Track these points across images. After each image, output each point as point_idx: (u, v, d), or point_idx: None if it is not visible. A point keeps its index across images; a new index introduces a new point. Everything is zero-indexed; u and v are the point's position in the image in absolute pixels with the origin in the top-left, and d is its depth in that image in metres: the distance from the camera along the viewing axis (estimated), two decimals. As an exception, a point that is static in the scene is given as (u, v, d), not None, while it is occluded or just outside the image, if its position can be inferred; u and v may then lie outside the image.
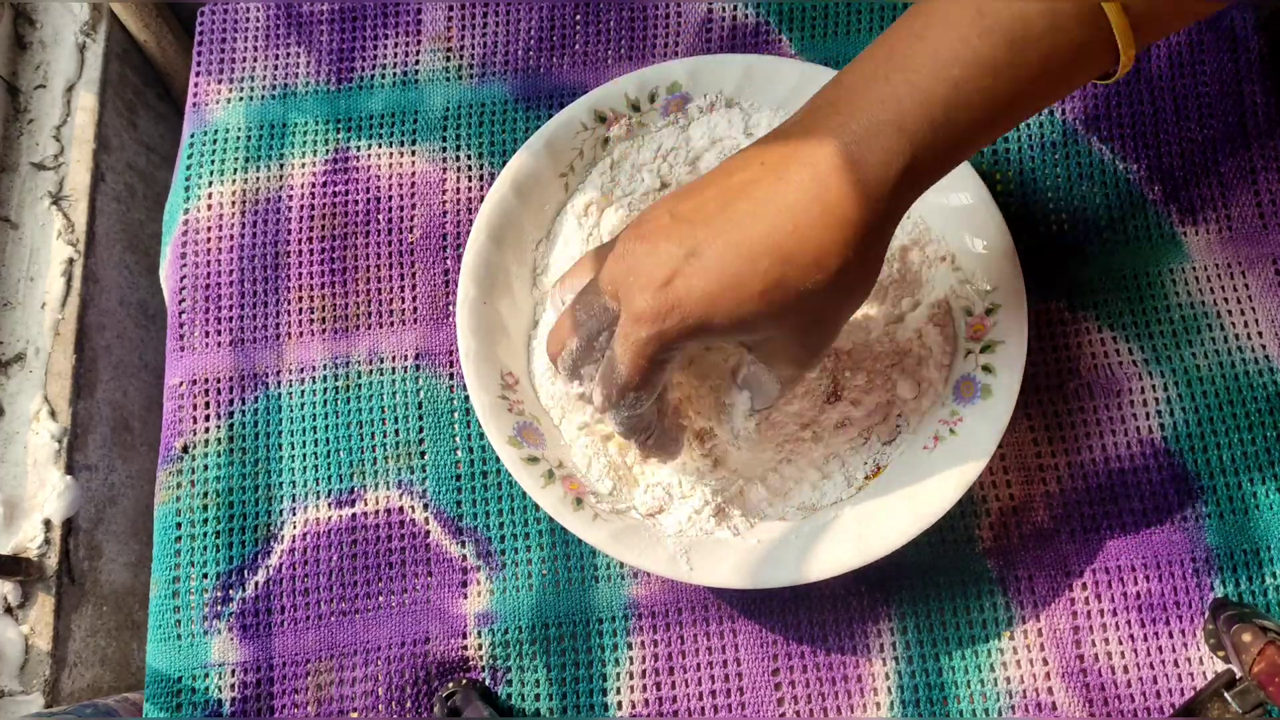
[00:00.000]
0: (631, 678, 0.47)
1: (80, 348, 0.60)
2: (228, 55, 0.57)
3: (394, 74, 0.56)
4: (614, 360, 0.37)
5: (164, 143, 0.72)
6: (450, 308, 0.52)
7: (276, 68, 0.56)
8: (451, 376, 0.51)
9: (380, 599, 0.48)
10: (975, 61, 0.33)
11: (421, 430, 0.51)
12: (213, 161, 0.55)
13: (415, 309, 0.52)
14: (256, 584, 0.49)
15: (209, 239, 0.54)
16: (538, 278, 0.49)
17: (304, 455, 0.50)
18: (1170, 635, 0.47)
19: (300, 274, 0.53)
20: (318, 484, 0.50)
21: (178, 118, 0.74)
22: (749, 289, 0.34)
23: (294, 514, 0.49)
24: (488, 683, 0.47)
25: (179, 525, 0.49)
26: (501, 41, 0.57)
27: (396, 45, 0.57)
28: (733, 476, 0.46)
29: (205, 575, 0.49)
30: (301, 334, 0.52)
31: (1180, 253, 0.53)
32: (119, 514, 0.62)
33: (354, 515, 0.49)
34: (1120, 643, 0.47)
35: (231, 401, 0.51)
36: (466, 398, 0.50)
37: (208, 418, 0.51)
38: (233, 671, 0.47)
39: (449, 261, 0.53)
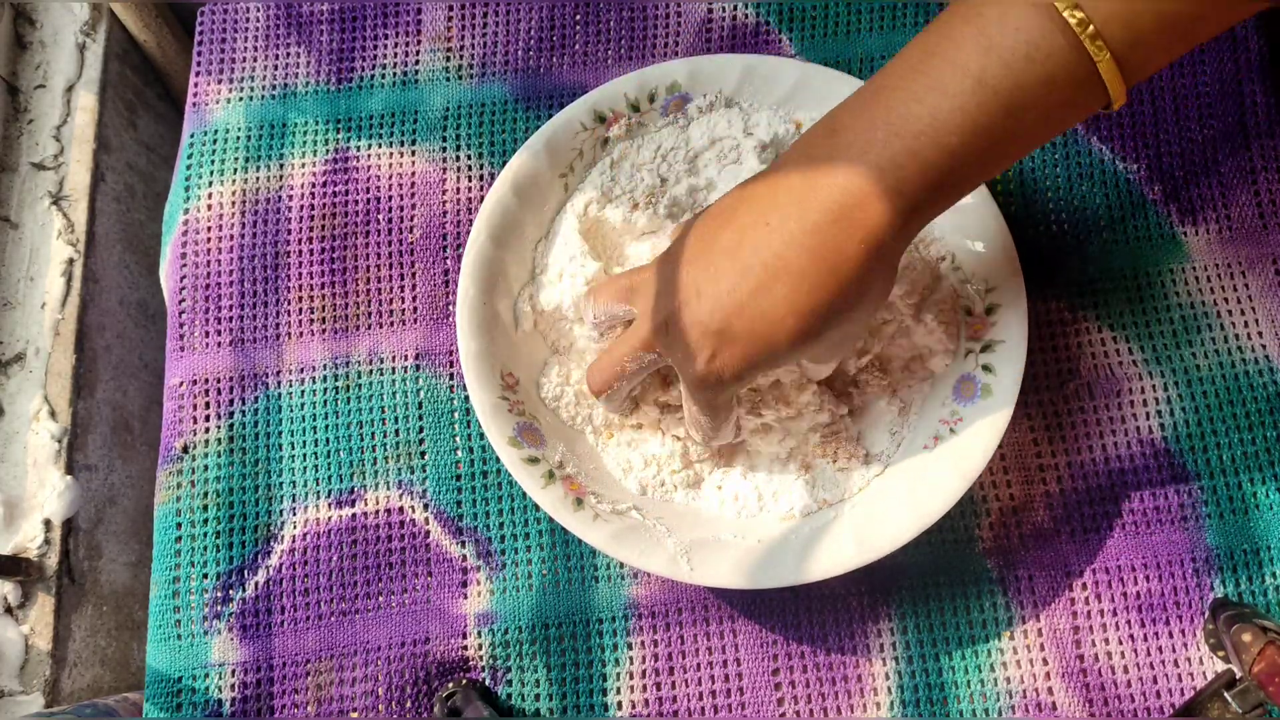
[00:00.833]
0: (631, 678, 0.47)
1: (80, 348, 0.60)
2: (228, 55, 0.57)
3: (394, 74, 0.56)
4: (694, 415, 0.43)
5: (164, 143, 0.72)
6: (450, 308, 0.52)
7: (276, 68, 0.56)
8: (451, 376, 0.51)
9: (380, 599, 0.48)
10: (973, 130, 0.34)
11: (421, 430, 0.51)
12: (213, 161, 0.55)
13: (415, 309, 0.52)
14: (256, 584, 0.49)
15: (209, 239, 0.54)
16: (537, 276, 0.49)
17: (304, 455, 0.50)
18: (1170, 635, 0.47)
19: (300, 274, 0.53)
20: (318, 484, 0.50)
21: (178, 118, 0.74)
22: (778, 343, 0.37)
23: (294, 514, 0.49)
24: (488, 683, 0.47)
25: (179, 525, 0.49)
26: (501, 41, 0.57)
27: (396, 45, 0.57)
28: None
29: (205, 575, 0.49)
30: (301, 334, 0.52)
31: (1180, 253, 0.53)
32: (119, 514, 0.62)
33: (354, 515, 0.49)
34: (1120, 643, 0.47)
35: (231, 401, 0.51)
36: (466, 398, 0.50)
37: (208, 418, 0.51)
38: (233, 671, 0.47)
39: (449, 261, 0.53)
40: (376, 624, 0.48)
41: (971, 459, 0.44)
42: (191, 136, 0.55)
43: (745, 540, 0.45)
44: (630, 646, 0.48)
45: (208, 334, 0.52)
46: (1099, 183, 0.54)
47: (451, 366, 0.51)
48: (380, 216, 0.54)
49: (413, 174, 0.54)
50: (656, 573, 0.43)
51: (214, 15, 0.57)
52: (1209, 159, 0.54)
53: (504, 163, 0.49)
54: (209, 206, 0.54)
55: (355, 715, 0.47)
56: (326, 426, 0.51)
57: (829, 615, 0.48)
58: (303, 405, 0.51)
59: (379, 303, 0.52)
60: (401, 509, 0.49)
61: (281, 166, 0.55)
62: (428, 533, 0.49)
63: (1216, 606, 0.47)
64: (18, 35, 0.64)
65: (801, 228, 0.35)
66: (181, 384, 0.51)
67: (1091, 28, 0.32)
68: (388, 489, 0.50)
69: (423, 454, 0.50)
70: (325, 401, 0.51)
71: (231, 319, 0.52)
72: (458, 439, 0.50)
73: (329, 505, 0.50)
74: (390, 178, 0.54)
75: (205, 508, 0.50)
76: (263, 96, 0.56)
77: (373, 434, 0.50)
